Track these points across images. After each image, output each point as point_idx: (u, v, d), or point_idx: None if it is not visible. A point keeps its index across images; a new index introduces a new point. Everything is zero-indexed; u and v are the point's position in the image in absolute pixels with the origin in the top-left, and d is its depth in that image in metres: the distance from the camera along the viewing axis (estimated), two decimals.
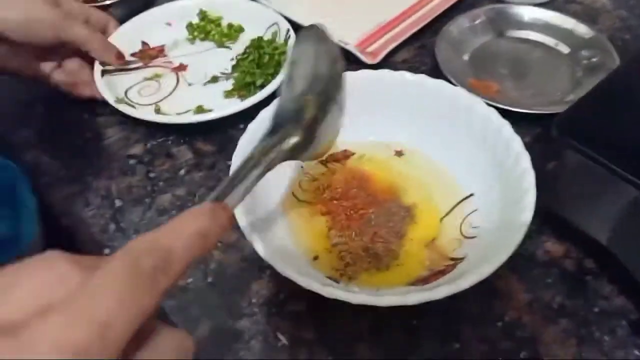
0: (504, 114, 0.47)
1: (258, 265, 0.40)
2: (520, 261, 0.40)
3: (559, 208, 0.39)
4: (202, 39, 0.60)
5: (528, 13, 0.57)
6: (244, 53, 0.56)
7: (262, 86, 0.51)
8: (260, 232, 0.34)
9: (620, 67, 0.43)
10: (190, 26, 0.60)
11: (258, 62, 0.54)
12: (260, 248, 0.33)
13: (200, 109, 0.51)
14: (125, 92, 0.53)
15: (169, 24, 0.60)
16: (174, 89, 0.55)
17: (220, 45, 0.59)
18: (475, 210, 0.40)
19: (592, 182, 0.35)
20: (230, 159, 0.37)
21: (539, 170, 0.36)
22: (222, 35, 0.59)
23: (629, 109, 0.38)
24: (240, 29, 0.60)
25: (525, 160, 0.36)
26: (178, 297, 0.39)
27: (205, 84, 0.55)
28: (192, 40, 0.60)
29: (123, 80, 0.54)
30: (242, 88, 0.53)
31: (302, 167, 0.43)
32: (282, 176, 0.42)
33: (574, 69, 0.53)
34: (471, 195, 0.40)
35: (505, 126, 0.39)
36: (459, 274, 0.35)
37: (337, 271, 0.37)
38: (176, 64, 0.57)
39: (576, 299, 0.38)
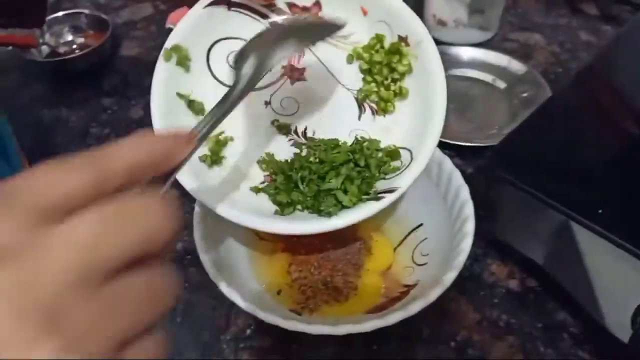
0: (449, 147, 0.51)
1: (225, 304, 0.42)
2: (468, 284, 0.43)
3: (500, 233, 0.43)
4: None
5: (466, 53, 0.62)
6: None
7: None
8: (224, 272, 0.36)
9: (549, 100, 0.48)
10: None
11: None
12: (224, 288, 0.35)
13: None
14: None
15: None
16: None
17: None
18: (425, 238, 0.43)
19: (525, 210, 0.39)
20: None
21: (481, 199, 0.40)
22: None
23: (556, 139, 0.42)
24: None
25: (464, 192, 0.40)
26: None
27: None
28: None
29: None
30: None
31: None
32: None
33: (510, 103, 0.58)
34: (420, 225, 0.44)
35: (446, 160, 0.42)
36: (411, 299, 0.38)
37: (299, 304, 0.40)
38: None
39: (521, 316, 0.41)
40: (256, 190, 0.37)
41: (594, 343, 0.40)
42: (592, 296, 0.37)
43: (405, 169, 0.35)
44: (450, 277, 0.35)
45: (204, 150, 0.37)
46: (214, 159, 0.37)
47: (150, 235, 0.18)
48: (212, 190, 0.35)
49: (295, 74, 0.41)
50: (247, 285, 0.39)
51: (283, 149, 0.40)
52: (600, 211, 0.36)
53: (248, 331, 0.41)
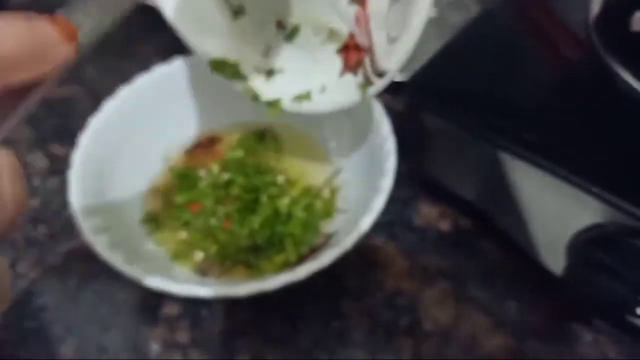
0: None
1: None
2: (397, 229, 0.39)
3: (429, 171, 0.39)
4: None
5: None
6: None
7: None
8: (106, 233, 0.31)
9: (474, 21, 0.43)
10: None
11: None
12: (105, 252, 0.30)
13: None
14: None
15: None
16: None
17: None
18: (346, 183, 0.39)
19: (451, 142, 0.35)
20: None
21: (410, 137, 0.36)
22: None
23: (482, 63, 0.38)
24: None
25: (385, 126, 0.36)
26: (39, 320, 0.35)
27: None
28: None
29: None
30: None
31: (166, 158, 0.40)
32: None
33: (441, 32, 0.53)
34: (341, 169, 0.39)
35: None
36: (328, 249, 0.34)
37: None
38: None
39: (453, 259, 0.38)
40: None
41: (529, 282, 0.37)
42: (526, 229, 0.34)
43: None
44: (366, 221, 0.31)
45: None
46: None
47: None
48: None
49: None
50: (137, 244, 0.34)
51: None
52: (528, 138, 0.33)
53: (154, 300, 0.36)
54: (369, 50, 0.30)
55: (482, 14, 0.44)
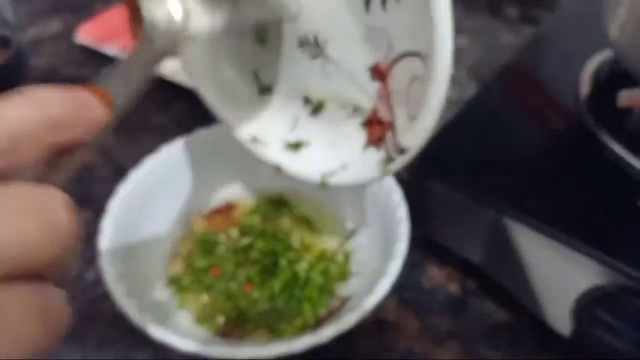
0: None
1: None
2: (407, 292, 0.41)
3: (436, 235, 0.41)
4: None
5: None
6: None
7: None
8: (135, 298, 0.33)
9: (474, 97, 0.47)
10: None
11: None
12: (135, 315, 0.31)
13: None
14: None
15: None
16: None
17: None
18: (359, 246, 0.41)
19: (456, 208, 0.38)
20: None
21: (417, 203, 0.38)
22: None
23: (482, 135, 0.42)
24: None
25: (396, 194, 0.38)
26: None
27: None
28: None
29: None
30: None
31: (186, 224, 0.42)
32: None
33: None
34: (353, 233, 0.42)
35: None
36: (346, 311, 0.35)
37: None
38: None
39: (462, 320, 0.40)
40: None
41: (535, 341, 0.38)
42: (531, 292, 0.36)
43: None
44: (384, 284, 0.33)
45: None
46: None
47: (44, 237, 0.14)
48: None
49: None
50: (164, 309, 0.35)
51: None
52: (530, 204, 0.36)
53: None
54: (391, 126, 0.32)
55: (480, 91, 0.48)
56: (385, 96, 0.31)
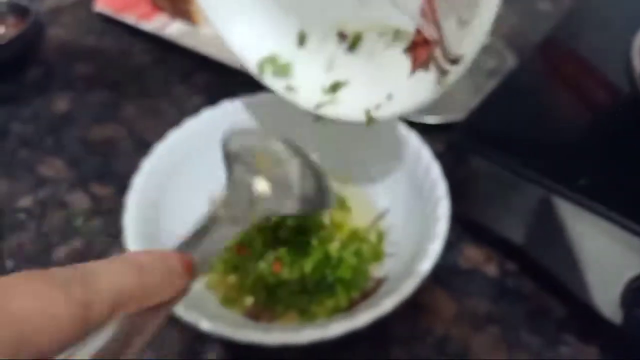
0: (413, 126, 0.47)
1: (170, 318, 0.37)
2: (442, 272, 0.39)
3: (474, 214, 0.39)
4: None
5: None
6: None
7: None
8: None
9: (515, 70, 0.44)
10: None
11: None
12: None
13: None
14: None
15: None
16: None
17: None
18: (394, 225, 0.39)
19: (500, 185, 0.35)
20: None
21: (451, 179, 0.36)
22: None
23: (525, 109, 0.39)
24: None
25: (435, 170, 0.36)
26: None
27: None
28: None
29: None
30: None
31: (212, 201, 0.40)
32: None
33: (474, 76, 0.54)
34: (388, 210, 0.39)
35: (412, 136, 0.38)
36: (382, 294, 0.33)
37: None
38: None
39: (501, 303, 0.38)
40: None
41: (581, 326, 0.36)
42: (578, 275, 0.34)
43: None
44: (424, 267, 0.31)
45: None
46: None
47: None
48: None
49: None
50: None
51: None
52: (581, 182, 0.33)
53: (196, 346, 0.36)
54: (439, 42, 0.28)
55: (521, 63, 0.45)
56: (430, 11, 0.28)
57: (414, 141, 0.38)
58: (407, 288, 0.30)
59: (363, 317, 0.29)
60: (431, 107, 0.50)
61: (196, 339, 0.36)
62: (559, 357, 0.35)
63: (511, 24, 0.63)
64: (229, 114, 0.41)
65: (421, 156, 0.37)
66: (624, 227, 0.31)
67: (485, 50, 0.55)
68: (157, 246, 0.34)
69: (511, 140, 0.37)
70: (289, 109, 0.40)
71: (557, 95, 0.41)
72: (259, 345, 0.28)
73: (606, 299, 0.33)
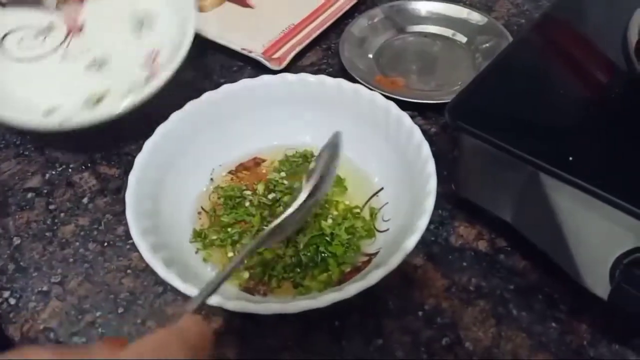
0: (411, 107, 0.48)
1: (171, 289, 0.38)
2: (435, 248, 0.40)
3: (465, 191, 0.40)
4: None
5: (424, 7, 0.58)
6: None
7: None
8: (161, 251, 0.33)
9: (508, 48, 0.45)
10: None
11: None
12: (163, 272, 0.31)
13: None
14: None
15: None
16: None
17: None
18: (387, 203, 0.40)
19: (490, 163, 0.36)
20: None
21: (447, 159, 0.37)
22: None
23: (517, 87, 0.39)
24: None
25: (425, 149, 0.37)
26: (89, 335, 0.37)
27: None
28: None
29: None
30: None
31: (211, 179, 0.42)
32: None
33: (473, 57, 0.54)
34: (381, 189, 0.40)
35: (404, 117, 0.39)
36: (372, 268, 0.34)
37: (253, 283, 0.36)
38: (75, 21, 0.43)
39: (492, 279, 0.39)
40: None
41: (570, 302, 0.37)
42: (567, 252, 0.35)
43: None
44: (411, 241, 0.32)
45: None
46: None
47: None
48: None
49: None
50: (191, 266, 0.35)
51: None
52: (570, 159, 0.34)
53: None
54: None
55: (516, 41, 0.45)
56: None
57: (406, 122, 0.38)
58: (393, 262, 0.31)
59: (351, 289, 0.30)
60: (430, 89, 0.51)
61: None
62: (547, 331, 0.36)
63: (512, 1, 0.63)
64: (230, 96, 0.42)
65: (412, 136, 0.38)
66: (613, 204, 0.32)
67: (483, 31, 0.56)
68: (157, 221, 0.35)
69: (501, 119, 0.37)
70: (290, 90, 0.41)
71: (551, 73, 0.41)
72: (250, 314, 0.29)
73: (595, 275, 0.34)
